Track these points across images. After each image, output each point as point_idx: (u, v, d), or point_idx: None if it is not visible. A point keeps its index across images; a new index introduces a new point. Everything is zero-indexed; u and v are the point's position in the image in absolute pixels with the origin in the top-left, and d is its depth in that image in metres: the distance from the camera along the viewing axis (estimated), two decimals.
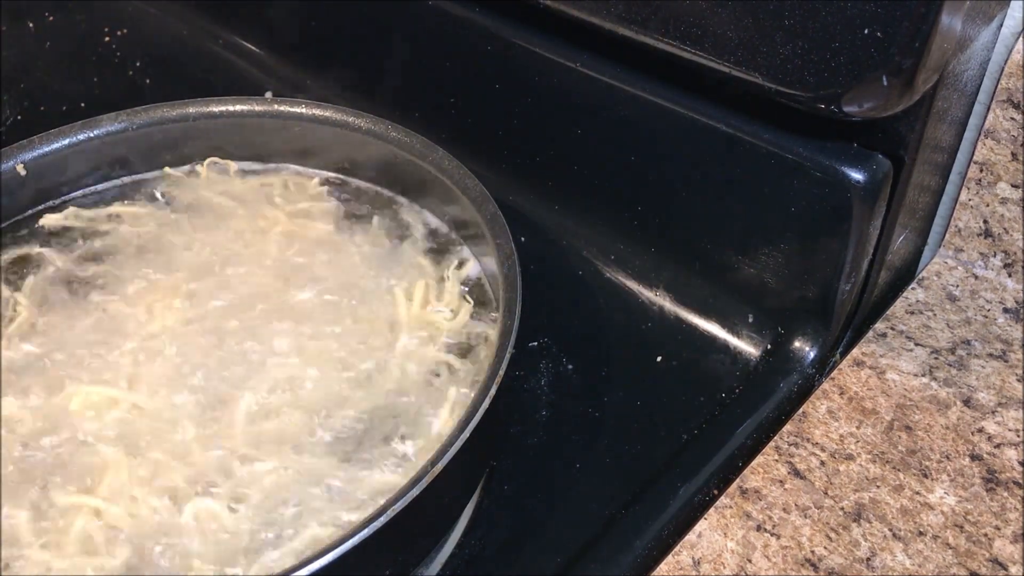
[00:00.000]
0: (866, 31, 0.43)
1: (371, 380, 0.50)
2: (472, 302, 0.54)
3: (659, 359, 0.57)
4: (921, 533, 0.46)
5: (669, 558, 0.45)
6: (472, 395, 0.46)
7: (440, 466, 0.40)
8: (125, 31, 0.86)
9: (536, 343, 0.58)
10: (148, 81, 0.81)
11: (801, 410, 0.52)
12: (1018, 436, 0.50)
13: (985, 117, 0.56)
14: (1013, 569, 0.44)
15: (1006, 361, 0.54)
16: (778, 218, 0.54)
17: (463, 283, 0.55)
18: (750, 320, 0.58)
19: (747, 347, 0.57)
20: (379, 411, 0.49)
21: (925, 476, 0.48)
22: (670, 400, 0.55)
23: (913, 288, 0.59)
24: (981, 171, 0.57)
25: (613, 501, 0.50)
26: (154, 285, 0.55)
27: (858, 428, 0.51)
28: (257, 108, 0.62)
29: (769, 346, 0.57)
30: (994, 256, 0.59)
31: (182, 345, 0.52)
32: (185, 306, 0.54)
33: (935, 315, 0.57)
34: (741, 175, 0.54)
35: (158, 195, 0.62)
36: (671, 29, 0.49)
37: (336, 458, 0.46)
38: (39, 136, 0.60)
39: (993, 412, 0.51)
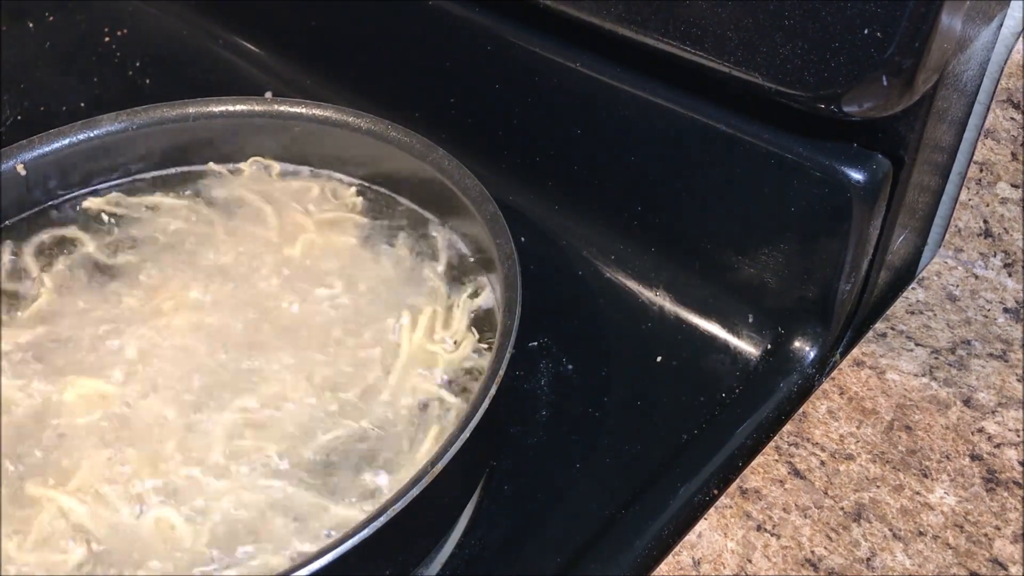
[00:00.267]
0: (866, 31, 0.43)
1: (359, 406, 0.49)
2: (477, 335, 0.52)
3: (659, 359, 0.57)
4: (921, 533, 0.46)
5: (669, 558, 0.45)
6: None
7: (440, 466, 0.40)
8: (125, 31, 0.86)
9: (536, 343, 0.58)
10: (148, 81, 0.81)
11: (801, 410, 0.52)
12: (1018, 436, 0.50)
13: (985, 117, 0.56)
14: (1013, 569, 0.44)
15: (1006, 361, 0.54)
16: (778, 218, 0.54)
17: (473, 312, 0.54)
18: (750, 320, 0.58)
19: (747, 347, 0.57)
20: (360, 440, 0.48)
21: (925, 476, 0.48)
22: (670, 400, 0.55)
23: (913, 288, 0.59)
24: (981, 171, 0.57)
25: (613, 501, 0.50)
26: (170, 282, 0.56)
27: (858, 428, 0.51)
28: (257, 108, 0.62)
29: (769, 346, 0.57)
30: (994, 256, 0.59)
31: (184, 347, 0.52)
32: (195, 307, 0.54)
33: (935, 315, 0.57)
34: (741, 175, 0.54)
35: (199, 189, 0.63)
36: (671, 29, 0.49)
37: (305, 485, 0.46)
38: (39, 136, 0.60)
39: (993, 412, 0.51)
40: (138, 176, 0.63)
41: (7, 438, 0.48)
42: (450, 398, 0.49)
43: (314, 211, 0.60)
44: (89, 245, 0.59)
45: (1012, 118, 0.55)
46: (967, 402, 0.52)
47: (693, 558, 0.45)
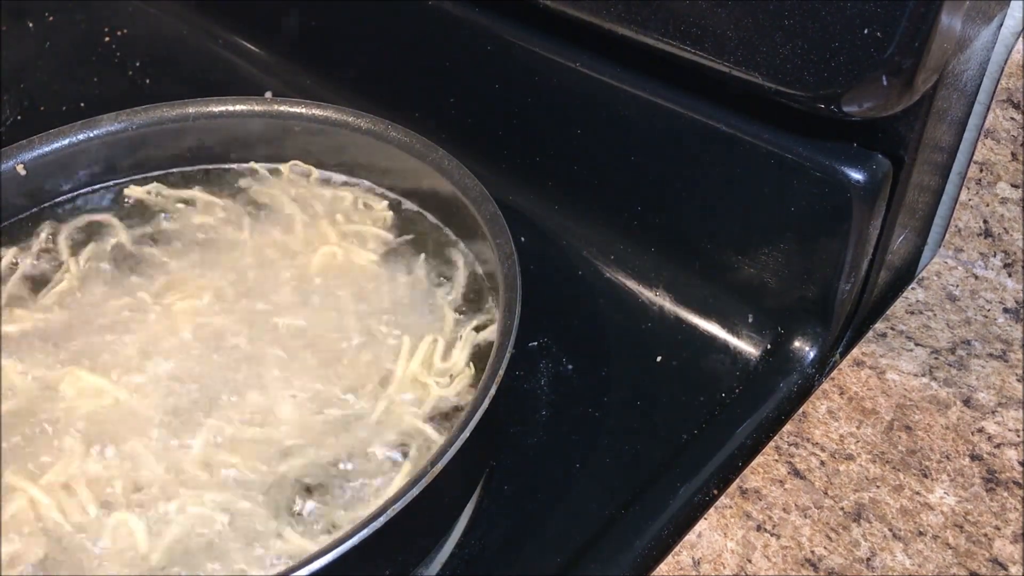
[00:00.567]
0: (866, 31, 0.43)
1: (341, 431, 0.48)
2: (473, 371, 0.51)
3: (659, 359, 0.57)
4: (921, 533, 0.46)
5: (669, 558, 0.45)
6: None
7: (440, 466, 0.40)
8: (125, 31, 0.86)
9: (536, 343, 0.58)
10: (148, 81, 0.81)
11: (801, 410, 0.52)
12: (1018, 436, 0.50)
13: (985, 117, 0.56)
14: (1013, 569, 0.44)
15: (1006, 361, 0.54)
16: (778, 218, 0.54)
17: (476, 346, 0.52)
18: (750, 320, 0.58)
19: (747, 347, 0.57)
20: (333, 466, 0.47)
21: (925, 476, 0.48)
22: (670, 400, 0.55)
23: (913, 288, 0.59)
24: (981, 171, 0.57)
25: (613, 501, 0.50)
26: (185, 281, 0.56)
27: (858, 428, 0.51)
28: (257, 108, 0.62)
29: (769, 346, 0.57)
30: (994, 256, 0.59)
31: (184, 351, 0.52)
32: (203, 310, 0.54)
33: (935, 315, 0.57)
34: (741, 175, 0.54)
35: (238, 187, 0.63)
36: (671, 29, 0.49)
37: (269, 508, 0.45)
38: (39, 136, 0.60)
39: (993, 412, 0.51)
40: (180, 169, 0.64)
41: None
42: (433, 435, 0.48)
43: (341, 221, 0.60)
44: (121, 234, 0.60)
45: (1012, 118, 0.55)
46: (967, 402, 0.52)
47: (693, 558, 0.45)
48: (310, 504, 0.45)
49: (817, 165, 0.51)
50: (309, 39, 0.77)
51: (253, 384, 0.50)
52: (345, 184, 0.63)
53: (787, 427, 0.51)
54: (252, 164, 0.64)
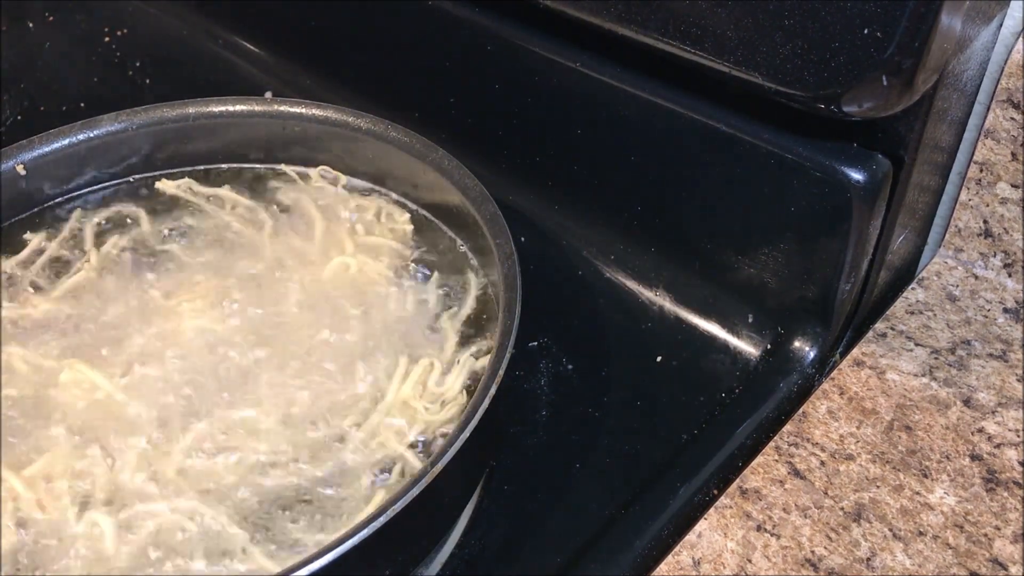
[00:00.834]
0: (866, 31, 0.43)
1: (323, 451, 0.48)
2: (467, 397, 0.50)
3: (659, 359, 0.57)
4: (921, 533, 0.46)
5: (669, 558, 0.45)
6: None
7: (440, 466, 0.40)
8: (125, 31, 0.86)
9: (536, 343, 0.58)
10: (148, 81, 0.81)
11: (801, 410, 0.52)
12: (1018, 436, 0.50)
13: (985, 117, 0.56)
14: (1013, 569, 0.44)
15: (1006, 361, 0.54)
16: (778, 218, 0.54)
17: (474, 372, 0.51)
18: (750, 320, 0.58)
19: (747, 347, 0.57)
20: (312, 486, 0.46)
21: (925, 476, 0.48)
22: (670, 400, 0.55)
23: (913, 288, 0.59)
24: (981, 171, 0.57)
25: (613, 501, 0.50)
26: (197, 283, 0.56)
27: (858, 428, 0.51)
28: (257, 108, 0.62)
29: (769, 346, 0.57)
30: (994, 256, 0.59)
31: (183, 354, 0.52)
32: (210, 314, 0.54)
33: (935, 315, 0.57)
34: (741, 175, 0.54)
35: (267, 188, 0.63)
36: (671, 29, 0.49)
37: (241, 524, 0.45)
38: (39, 136, 0.60)
39: (993, 412, 0.51)
40: (213, 166, 0.64)
41: None
42: (414, 463, 0.47)
43: (360, 232, 0.59)
44: (145, 226, 0.60)
45: (1012, 118, 0.55)
46: (967, 402, 0.52)
47: (693, 558, 0.45)
48: (281, 522, 0.45)
49: (817, 165, 0.51)
50: (309, 39, 0.77)
51: (245, 393, 0.50)
52: (372, 193, 0.62)
53: (787, 427, 0.51)
54: (283, 167, 0.64)
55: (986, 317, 0.57)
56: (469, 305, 0.55)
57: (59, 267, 0.58)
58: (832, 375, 0.54)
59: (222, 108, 0.62)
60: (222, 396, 0.50)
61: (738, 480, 0.48)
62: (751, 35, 0.47)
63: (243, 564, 0.43)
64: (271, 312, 0.54)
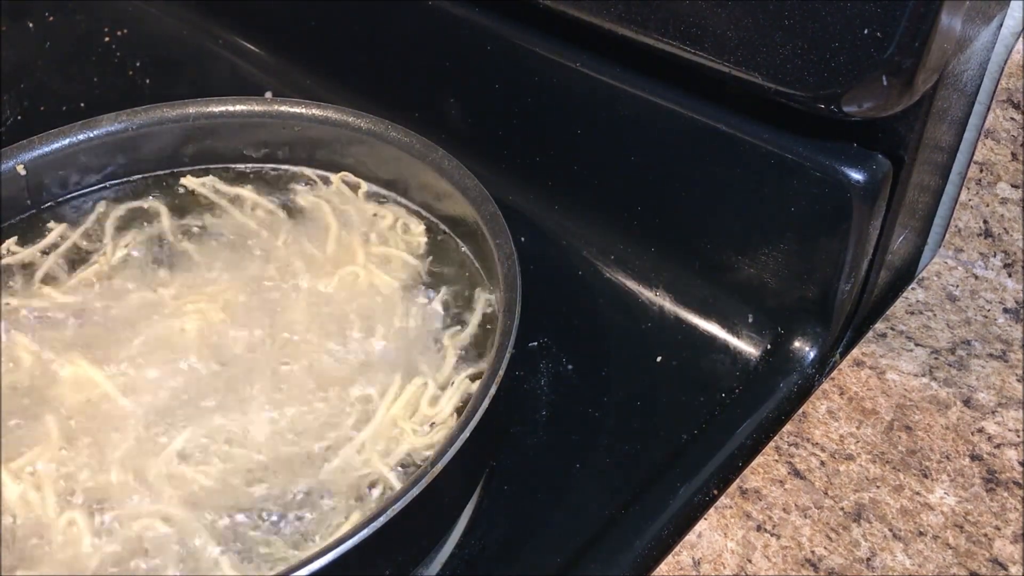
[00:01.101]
0: (866, 31, 0.43)
1: (307, 465, 0.47)
2: (457, 420, 0.48)
3: (659, 359, 0.57)
4: (921, 533, 0.46)
5: (669, 558, 0.45)
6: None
7: (440, 466, 0.40)
8: (125, 31, 0.86)
9: (536, 343, 0.58)
10: (148, 81, 0.81)
11: (801, 410, 0.52)
12: (1018, 436, 0.50)
13: (985, 117, 0.56)
14: (1013, 569, 0.44)
15: (1006, 361, 0.54)
16: (778, 218, 0.54)
17: (468, 395, 0.50)
18: (750, 320, 0.58)
19: (747, 347, 0.57)
20: (292, 500, 0.46)
21: (925, 476, 0.48)
22: (670, 400, 0.55)
23: (913, 288, 0.59)
24: (981, 171, 0.57)
25: (613, 501, 0.50)
26: (206, 284, 0.56)
27: (858, 428, 0.51)
28: (257, 108, 0.62)
29: (769, 346, 0.57)
30: (994, 256, 0.59)
31: (184, 356, 0.52)
32: (214, 317, 0.54)
33: (935, 315, 0.57)
34: (741, 175, 0.54)
35: (288, 191, 0.63)
36: (671, 29, 0.49)
37: (217, 534, 0.44)
38: (39, 136, 0.60)
39: (993, 412, 0.51)
40: (249, 166, 0.64)
41: None
42: (395, 484, 0.46)
43: (374, 242, 0.59)
44: (165, 222, 0.60)
45: (1012, 118, 0.55)
46: (967, 402, 0.52)
47: (693, 558, 0.45)
48: (256, 535, 0.45)
49: (817, 165, 0.51)
50: (309, 39, 0.77)
51: (239, 400, 0.50)
52: (392, 201, 0.62)
53: (787, 427, 0.51)
54: (304, 170, 0.64)
55: (986, 317, 0.57)
56: (473, 324, 0.54)
57: (78, 258, 0.58)
58: (832, 375, 0.54)
59: (222, 108, 0.62)
60: (214, 402, 0.50)
61: (738, 480, 0.48)
62: (751, 35, 0.47)
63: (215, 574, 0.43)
64: (276, 319, 0.54)
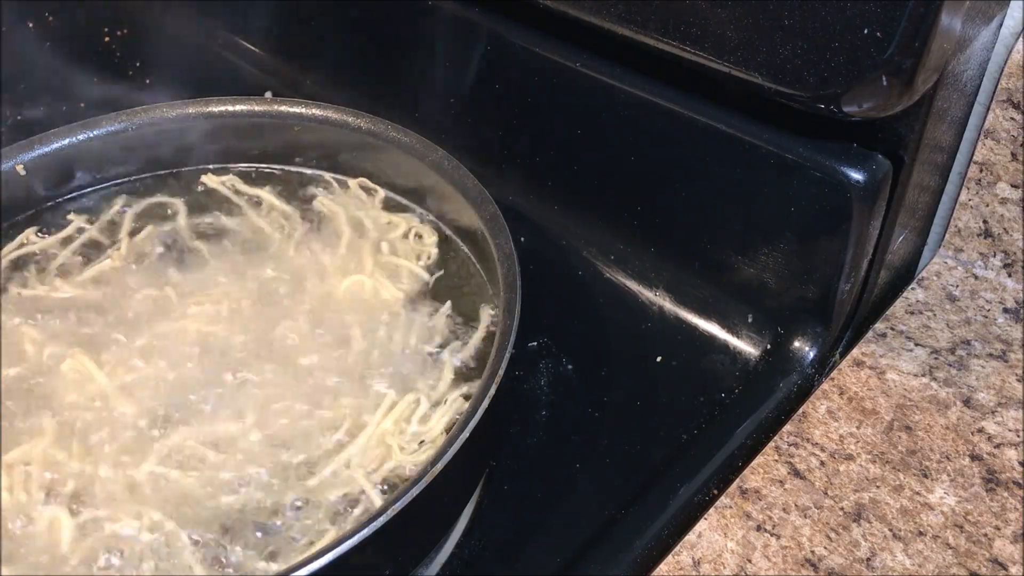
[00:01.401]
0: (866, 31, 0.43)
1: (291, 477, 0.47)
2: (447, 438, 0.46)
3: (659, 359, 0.57)
4: (921, 533, 0.46)
5: (669, 558, 0.45)
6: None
7: (440, 466, 0.40)
8: (125, 31, 0.86)
9: (536, 343, 0.58)
10: (148, 81, 0.81)
11: (801, 410, 0.52)
12: (1018, 436, 0.50)
13: (985, 117, 0.56)
14: (1013, 569, 0.44)
15: (1006, 361, 0.54)
16: (778, 218, 0.54)
17: (460, 414, 0.49)
18: (750, 320, 0.58)
19: (747, 347, 0.57)
20: (272, 512, 0.45)
21: (925, 476, 0.48)
22: (670, 400, 0.55)
23: (913, 288, 0.59)
24: (981, 171, 0.57)
25: (613, 501, 0.50)
26: (212, 286, 0.56)
27: (858, 428, 0.51)
28: (257, 108, 0.62)
29: (769, 346, 0.57)
30: (994, 256, 0.59)
31: (183, 358, 0.52)
32: (216, 320, 0.54)
33: (935, 315, 0.57)
34: (741, 175, 0.54)
35: (306, 194, 0.63)
36: (671, 29, 0.49)
37: (193, 542, 0.44)
38: (39, 136, 0.60)
39: (993, 412, 0.51)
40: (274, 167, 0.64)
41: None
42: (377, 502, 0.45)
43: (385, 251, 0.58)
44: (181, 219, 0.61)
45: (1012, 118, 0.55)
46: (967, 402, 0.52)
47: (693, 558, 0.45)
48: (234, 545, 0.44)
49: (817, 165, 0.51)
50: (309, 39, 0.77)
51: (231, 406, 0.50)
52: (408, 211, 0.61)
53: (787, 427, 0.51)
54: (323, 173, 0.63)
55: (986, 317, 0.57)
56: (475, 341, 0.53)
57: (93, 252, 0.59)
58: (832, 375, 0.54)
59: (222, 108, 0.62)
60: (207, 406, 0.50)
61: (738, 480, 0.48)
62: (751, 35, 0.47)
63: None
64: (278, 325, 0.54)
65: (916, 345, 0.55)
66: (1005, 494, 0.47)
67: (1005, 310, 0.57)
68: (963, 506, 0.47)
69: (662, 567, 0.45)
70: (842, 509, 0.47)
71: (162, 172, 0.64)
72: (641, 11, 0.50)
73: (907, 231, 0.57)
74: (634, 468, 0.51)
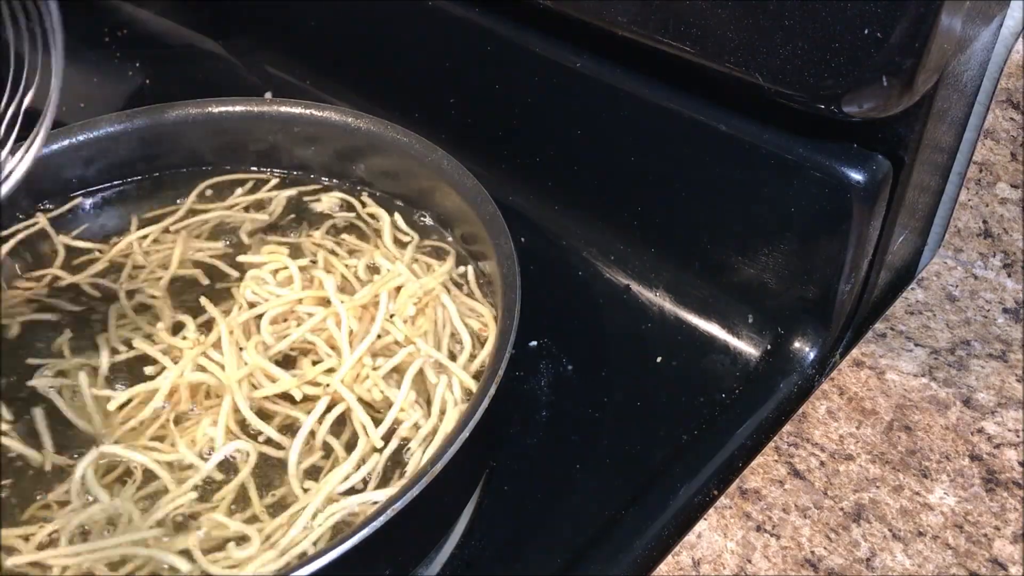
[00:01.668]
0: (866, 31, 0.43)
1: (241, 512, 0.45)
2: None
3: (659, 359, 0.57)
4: (921, 533, 0.46)
5: (669, 558, 0.45)
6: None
7: (440, 466, 0.40)
8: (125, 31, 0.86)
9: (536, 343, 0.58)
10: (148, 81, 0.81)
11: (801, 410, 0.52)
12: (1018, 436, 0.50)
13: (985, 117, 0.56)
14: (1013, 569, 0.44)
15: (1006, 361, 0.54)
16: (778, 218, 0.54)
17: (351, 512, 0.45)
18: (750, 320, 0.58)
19: (747, 347, 0.57)
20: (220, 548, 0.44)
21: (925, 476, 0.48)
22: (670, 400, 0.55)
23: (913, 288, 0.59)
24: (981, 171, 0.57)
25: (613, 501, 0.50)
26: (212, 289, 0.56)
27: (858, 428, 0.51)
28: (257, 108, 0.62)
29: (769, 346, 0.57)
30: (994, 256, 0.59)
31: (166, 372, 0.51)
32: (218, 325, 0.52)
33: (935, 315, 0.57)
34: (741, 175, 0.54)
35: (344, 201, 0.62)
36: (671, 29, 0.49)
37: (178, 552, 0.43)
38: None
39: (993, 412, 0.51)
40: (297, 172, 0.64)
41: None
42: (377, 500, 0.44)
43: (401, 271, 0.55)
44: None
45: (1012, 118, 0.55)
46: (967, 402, 0.52)
47: (693, 558, 0.45)
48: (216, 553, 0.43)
49: (817, 165, 0.51)
50: (309, 39, 0.77)
51: (201, 423, 0.48)
52: (427, 229, 0.60)
53: (787, 427, 0.51)
54: (338, 194, 0.62)
55: (986, 317, 0.57)
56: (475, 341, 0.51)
57: (101, 248, 0.59)
58: (832, 375, 0.54)
59: (222, 108, 0.62)
60: (196, 409, 0.49)
61: (738, 480, 0.48)
62: (751, 35, 0.47)
63: None
64: (259, 351, 0.51)
65: (916, 345, 0.55)
66: (1005, 494, 0.47)
67: (1005, 310, 0.57)
68: (963, 506, 0.47)
69: (662, 567, 0.45)
70: (842, 509, 0.47)
71: (162, 173, 0.63)
72: (641, 11, 0.50)
73: (907, 231, 0.57)
74: (634, 468, 0.51)
